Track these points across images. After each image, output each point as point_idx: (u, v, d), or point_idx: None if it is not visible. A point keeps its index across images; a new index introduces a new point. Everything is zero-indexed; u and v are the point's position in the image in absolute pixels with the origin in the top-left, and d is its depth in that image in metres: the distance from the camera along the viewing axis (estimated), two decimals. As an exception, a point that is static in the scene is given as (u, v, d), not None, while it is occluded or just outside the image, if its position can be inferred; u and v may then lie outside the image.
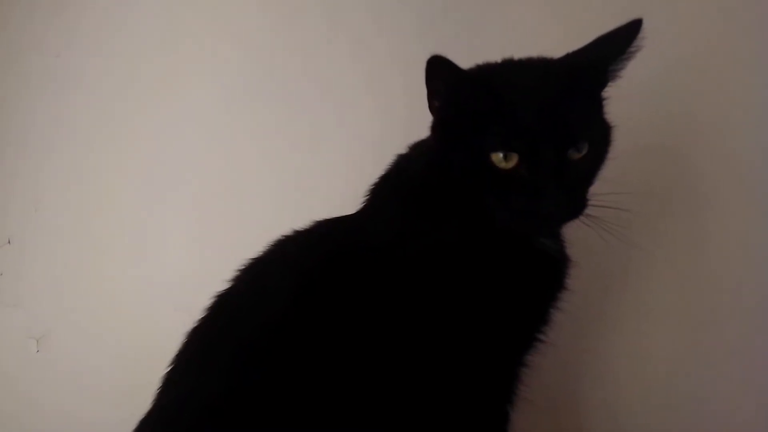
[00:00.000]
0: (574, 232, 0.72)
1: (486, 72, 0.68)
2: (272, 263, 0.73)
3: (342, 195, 0.78)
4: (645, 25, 0.64)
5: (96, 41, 1.34)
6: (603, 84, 0.67)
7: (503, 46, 0.71)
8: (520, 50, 0.70)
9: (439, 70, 0.64)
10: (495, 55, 0.70)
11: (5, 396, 1.28)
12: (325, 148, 1.15)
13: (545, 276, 0.69)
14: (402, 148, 0.79)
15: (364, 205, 0.76)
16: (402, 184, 0.74)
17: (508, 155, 0.61)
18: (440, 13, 1.07)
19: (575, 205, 0.64)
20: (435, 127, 0.71)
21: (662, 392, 0.92)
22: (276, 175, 1.18)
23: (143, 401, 0.70)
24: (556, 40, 0.70)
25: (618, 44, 0.65)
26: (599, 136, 0.66)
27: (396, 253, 0.66)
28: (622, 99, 0.68)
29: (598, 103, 0.68)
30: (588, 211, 0.65)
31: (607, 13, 0.66)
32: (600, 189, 0.67)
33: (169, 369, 0.70)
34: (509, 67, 0.69)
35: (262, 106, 1.21)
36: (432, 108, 0.69)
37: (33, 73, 1.38)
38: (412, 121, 0.75)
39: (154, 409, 0.69)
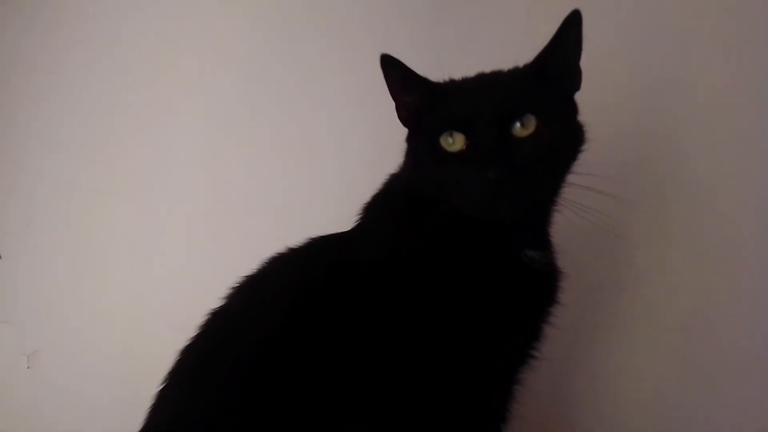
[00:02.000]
0: (562, 237, 0.73)
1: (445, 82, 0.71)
2: (266, 280, 0.73)
3: (335, 211, 0.78)
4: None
5: (90, 59, 1.34)
6: (559, 78, 0.68)
7: (493, 58, 0.72)
8: (511, 62, 0.71)
9: (391, 69, 0.68)
10: (486, 67, 0.72)
11: (-4, 412, 1.27)
12: (318, 164, 1.16)
13: (534, 291, 0.68)
14: (396, 163, 0.79)
15: (357, 223, 0.76)
16: (391, 202, 0.75)
17: (454, 136, 0.64)
18: (431, 28, 1.09)
19: (529, 182, 0.62)
20: (407, 138, 0.73)
21: (656, 405, 0.92)
22: (269, 193, 1.18)
23: (134, 419, 0.70)
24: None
25: (561, 40, 0.67)
26: (553, 115, 0.64)
27: (385, 272, 0.67)
28: (617, 88, 0.69)
29: (556, 95, 0.67)
30: (567, 196, 0.67)
31: (592, 27, 0.67)
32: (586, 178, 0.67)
33: (161, 387, 0.70)
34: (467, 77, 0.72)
35: (255, 124, 1.21)
36: (401, 118, 0.73)
37: (27, 89, 1.38)
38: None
39: (147, 427, 0.69)
